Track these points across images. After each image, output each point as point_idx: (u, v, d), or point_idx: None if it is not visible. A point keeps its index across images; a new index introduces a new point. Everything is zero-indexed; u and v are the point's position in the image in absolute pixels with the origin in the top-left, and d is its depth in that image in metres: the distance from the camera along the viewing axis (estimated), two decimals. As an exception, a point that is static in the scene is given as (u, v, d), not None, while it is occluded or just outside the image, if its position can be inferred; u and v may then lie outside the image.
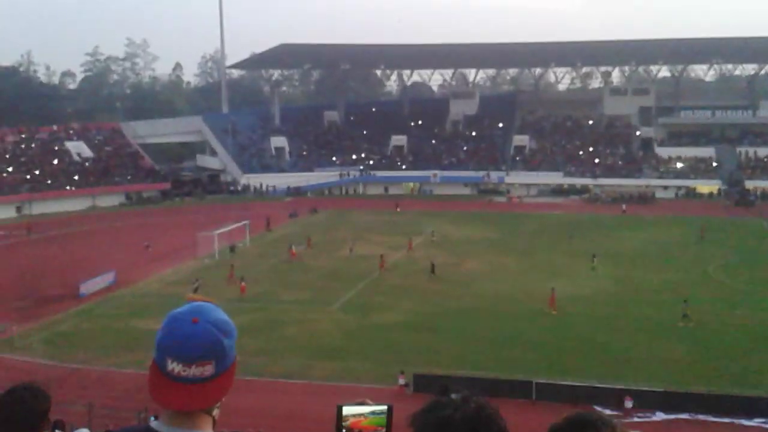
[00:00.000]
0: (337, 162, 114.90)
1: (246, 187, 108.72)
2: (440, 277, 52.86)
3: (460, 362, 35.02)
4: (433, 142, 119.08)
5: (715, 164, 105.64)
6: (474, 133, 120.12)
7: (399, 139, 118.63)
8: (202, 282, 49.90)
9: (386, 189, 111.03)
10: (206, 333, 2.86)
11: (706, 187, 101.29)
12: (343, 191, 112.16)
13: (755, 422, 27.95)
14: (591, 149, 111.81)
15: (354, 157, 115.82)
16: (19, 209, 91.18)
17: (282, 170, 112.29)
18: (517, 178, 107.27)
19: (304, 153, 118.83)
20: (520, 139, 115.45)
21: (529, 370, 33.38)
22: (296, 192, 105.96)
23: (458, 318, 42.86)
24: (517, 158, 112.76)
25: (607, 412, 28.36)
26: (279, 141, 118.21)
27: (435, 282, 51.48)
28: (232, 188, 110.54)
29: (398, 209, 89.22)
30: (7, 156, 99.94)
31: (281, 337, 39.48)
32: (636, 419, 28.21)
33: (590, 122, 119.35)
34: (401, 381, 31.45)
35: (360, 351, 37.09)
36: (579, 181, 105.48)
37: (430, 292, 48.91)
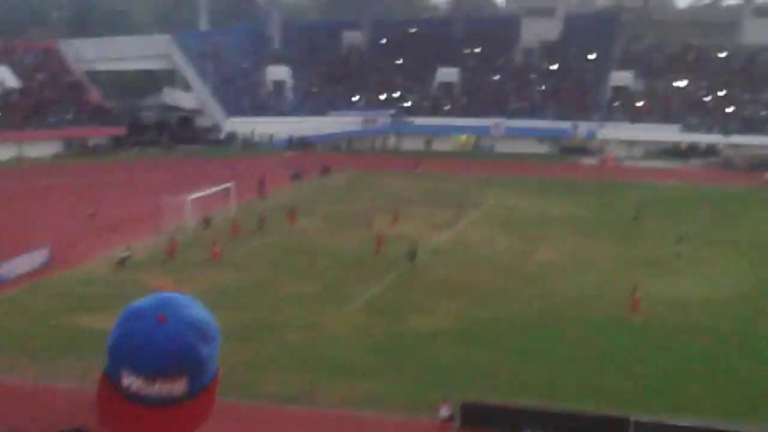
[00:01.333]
0: (360, 103, 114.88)
1: (231, 136, 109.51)
2: (501, 268, 52.83)
3: (524, 388, 34.97)
4: (497, 78, 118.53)
5: None
6: (555, 67, 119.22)
7: (448, 73, 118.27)
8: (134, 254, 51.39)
9: (428, 143, 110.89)
10: (177, 336, 2.80)
11: None
12: (368, 145, 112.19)
13: None
14: (722, 93, 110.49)
15: (383, 96, 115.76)
16: None
17: (282, 113, 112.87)
18: (614, 131, 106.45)
19: (314, 89, 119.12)
20: (621, 77, 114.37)
21: (624, 401, 33.28)
22: (301, 144, 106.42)
23: (524, 327, 42.70)
24: (616, 104, 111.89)
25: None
26: (279, 72, 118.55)
27: (495, 276, 51.50)
28: (211, 136, 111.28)
29: (417, 170, 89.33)
30: None
31: (279, 346, 39.74)
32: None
33: (722, 55, 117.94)
34: (444, 412, 31.55)
35: (388, 369, 37.17)
36: (704, 139, 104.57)
37: (486, 291, 48.88)
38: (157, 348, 2.77)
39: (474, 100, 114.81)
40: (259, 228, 61.93)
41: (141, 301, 2.91)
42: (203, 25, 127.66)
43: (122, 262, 52.31)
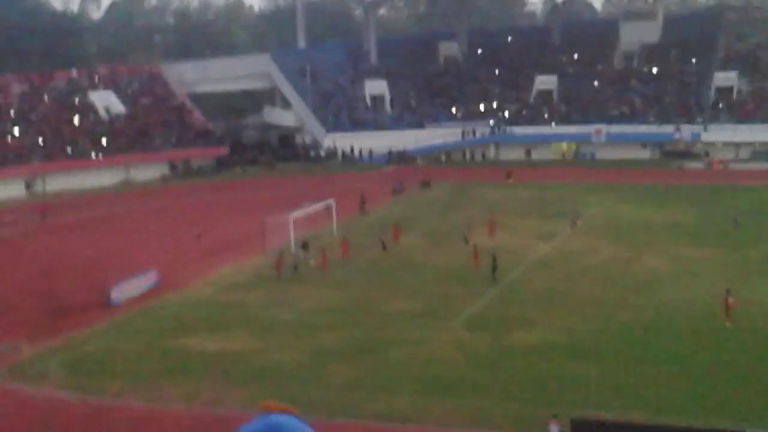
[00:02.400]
0: (459, 115, 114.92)
1: (331, 152, 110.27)
2: (606, 277, 52.12)
3: (636, 402, 34.40)
4: (596, 84, 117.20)
5: None
6: (656, 71, 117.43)
7: (546, 81, 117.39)
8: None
9: (528, 152, 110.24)
10: None
11: None
12: (468, 156, 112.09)
13: None
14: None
15: (482, 107, 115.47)
16: (29, 185, 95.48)
17: (381, 127, 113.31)
18: (720, 134, 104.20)
19: (412, 102, 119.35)
20: (725, 78, 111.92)
21: (742, 415, 32.51)
22: (401, 158, 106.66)
23: (633, 338, 42.05)
24: (721, 106, 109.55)
25: None
26: (376, 86, 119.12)
27: (600, 286, 50.81)
28: (312, 153, 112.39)
29: (510, 180, 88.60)
30: (13, 113, 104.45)
31: (383, 364, 39.80)
32: None
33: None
34: (554, 429, 31.24)
35: (494, 385, 36.91)
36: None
37: (592, 301, 48.30)
38: None
39: (573, 107, 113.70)
40: (371, 247, 62.01)
41: (251, 426, 2.81)
42: (301, 43, 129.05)
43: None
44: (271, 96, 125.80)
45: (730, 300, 43.01)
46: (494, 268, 52.98)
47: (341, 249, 59.65)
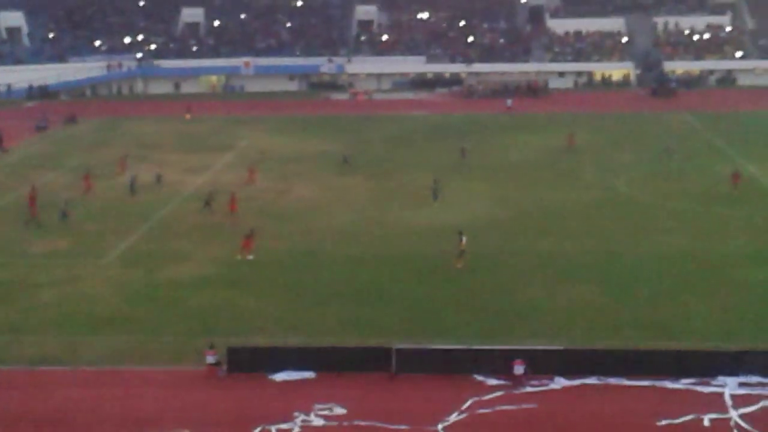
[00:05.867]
0: (103, 48, 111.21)
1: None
2: (259, 208, 52.72)
3: (290, 328, 35.21)
4: (243, 17, 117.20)
5: (625, 40, 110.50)
6: (300, 4, 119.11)
7: (192, 14, 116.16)
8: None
9: (177, 86, 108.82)
10: None
11: (615, 71, 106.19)
12: (114, 90, 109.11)
13: (682, 384, 29.85)
14: (462, 24, 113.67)
15: (127, 40, 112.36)
16: None
17: (19, 61, 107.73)
18: (362, 66, 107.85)
19: (52, 35, 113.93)
20: (366, 12, 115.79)
21: (388, 333, 34.12)
22: (43, 93, 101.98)
23: (286, 267, 43.00)
24: (362, 38, 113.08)
25: (492, 381, 29.73)
26: (11, 18, 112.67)
27: (249, 217, 51.22)
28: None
29: (188, 116, 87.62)
30: None
31: (33, 306, 38.33)
32: (529, 389, 29.59)
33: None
34: (210, 359, 31.26)
35: (149, 319, 36.56)
36: (448, 69, 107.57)
37: (244, 233, 48.69)
38: None
39: (221, 40, 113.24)
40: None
41: None
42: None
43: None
44: None
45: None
46: (207, 202, 52.59)
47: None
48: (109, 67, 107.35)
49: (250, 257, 43.88)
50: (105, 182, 60.59)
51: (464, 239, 42.62)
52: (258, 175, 60.81)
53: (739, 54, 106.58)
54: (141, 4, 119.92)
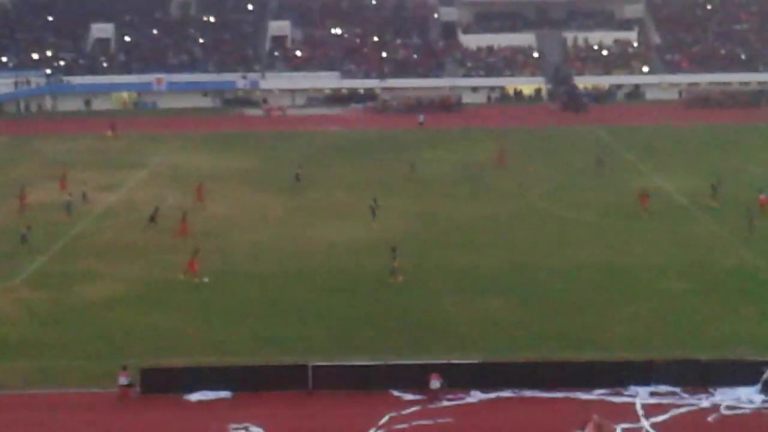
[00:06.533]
0: (10, 64, 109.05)
1: None
2: (167, 227, 52.15)
3: (206, 348, 34.94)
4: (155, 32, 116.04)
5: (536, 55, 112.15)
6: (213, 19, 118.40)
7: (103, 29, 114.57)
8: None
9: (88, 103, 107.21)
10: None
11: (527, 86, 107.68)
12: (22, 108, 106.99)
13: (595, 394, 30.35)
14: (376, 39, 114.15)
15: (36, 56, 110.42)
16: None
17: None
18: (277, 81, 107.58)
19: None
20: (279, 27, 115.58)
21: (305, 350, 34.08)
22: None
23: (201, 285, 42.67)
24: (276, 54, 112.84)
25: (409, 396, 29.83)
26: None
27: (165, 235, 50.70)
28: None
29: (110, 133, 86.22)
30: None
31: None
32: (446, 403, 29.78)
33: (374, 1, 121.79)
34: (123, 380, 30.83)
35: (59, 342, 35.90)
36: (362, 84, 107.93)
37: (159, 251, 48.18)
38: None
39: (133, 56, 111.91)
40: None
41: None
42: None
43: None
44: None
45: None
46: (153, 217, 52.04)
47: None
48: (16, 83, 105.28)
49: (206, 280, 43.19)
50: (15, 203, 59.24)
51: (397, 255, 43.10)
52: (204, 193, 60.04)
53: (646, 69, 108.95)
54: (50, 19, 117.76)
